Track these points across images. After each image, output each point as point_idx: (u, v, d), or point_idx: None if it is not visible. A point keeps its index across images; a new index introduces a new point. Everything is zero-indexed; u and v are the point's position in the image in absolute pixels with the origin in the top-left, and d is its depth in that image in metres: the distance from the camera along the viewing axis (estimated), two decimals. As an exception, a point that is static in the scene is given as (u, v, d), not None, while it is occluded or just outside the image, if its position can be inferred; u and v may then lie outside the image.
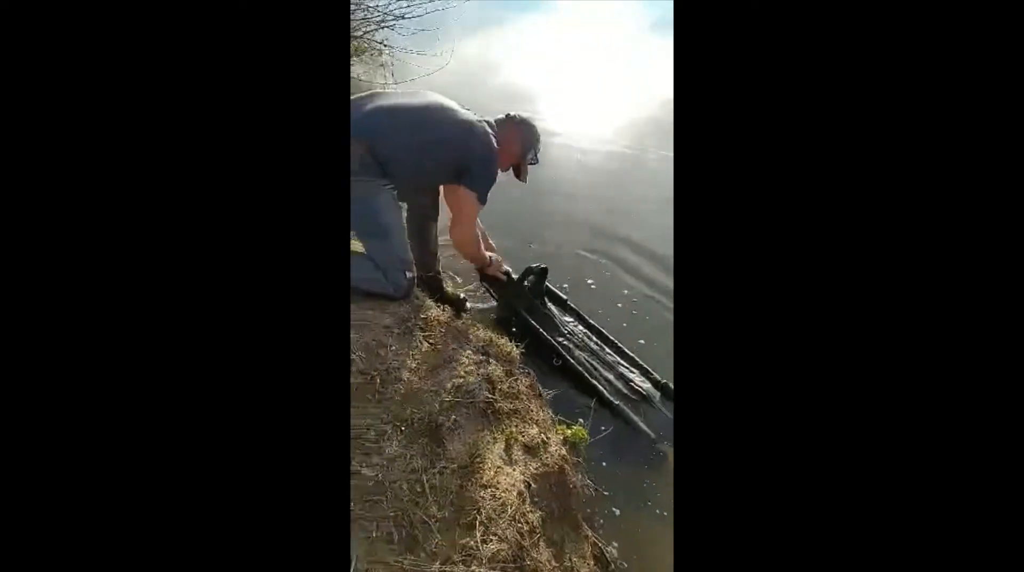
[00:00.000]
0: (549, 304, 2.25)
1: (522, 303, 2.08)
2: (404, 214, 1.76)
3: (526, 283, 2.20)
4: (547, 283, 2.32)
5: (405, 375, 1.29)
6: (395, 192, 1.54)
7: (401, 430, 1.16)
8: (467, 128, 1.54)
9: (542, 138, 1.78)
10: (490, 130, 1.60)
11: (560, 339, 2.01)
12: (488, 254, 1.88)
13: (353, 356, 1.28)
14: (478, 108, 1.68)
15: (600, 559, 1.31)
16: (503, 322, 2.06)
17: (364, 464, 1.06)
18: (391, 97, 1.56)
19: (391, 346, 1.36)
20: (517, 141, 1.68)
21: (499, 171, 1.64)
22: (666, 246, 3.03)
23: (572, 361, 1.90)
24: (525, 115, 1.73)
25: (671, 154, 4.26)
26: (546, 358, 1.90)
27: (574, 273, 2.56)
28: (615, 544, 1.39)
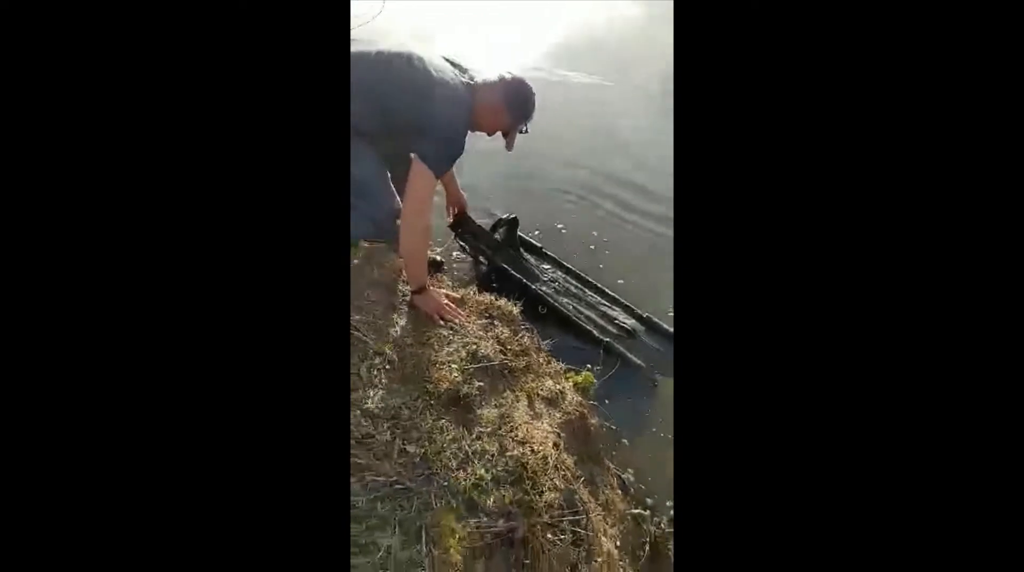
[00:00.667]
0: (525, 254, 2.30)
1: (499, 257, 2.11)
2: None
3: (497, 235, 2.23)
4: (519, 233, 2.36)
5: (420, 350, 1.32)
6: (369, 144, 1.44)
7: (431, 404, 1.20)
8: (426, 86, 1.35)
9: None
10: (464, 91, 1.40)
11: (542, 287, 2.07)
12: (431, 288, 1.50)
13: (364, 337, 1.29)
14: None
15: (621, 486, 1.45)
16: (483, 278, 2.09)
17: (406, 441, 1.10)
18: (360, 47, 1.39)
19: (398, 322, 1.37)
20: (503, 106, 1.42)
21: (486, 135, 1.49)
22: (620, 167, 3.11)
23: (559, 307, 1.97)
24: (518, 78, 1.45)
25: (596, 78, 4.24)
26: (530, 309, 1.96)
27: (544, 215, 2.59)
28: (630, 471, 1.53)
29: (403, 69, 1.39)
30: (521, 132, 1.49)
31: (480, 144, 1.56)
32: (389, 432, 1.11)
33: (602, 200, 2.87)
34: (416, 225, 1.37)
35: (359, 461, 1.04)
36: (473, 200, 2.18)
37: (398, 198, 1.49)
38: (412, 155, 1.38)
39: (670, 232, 2.65)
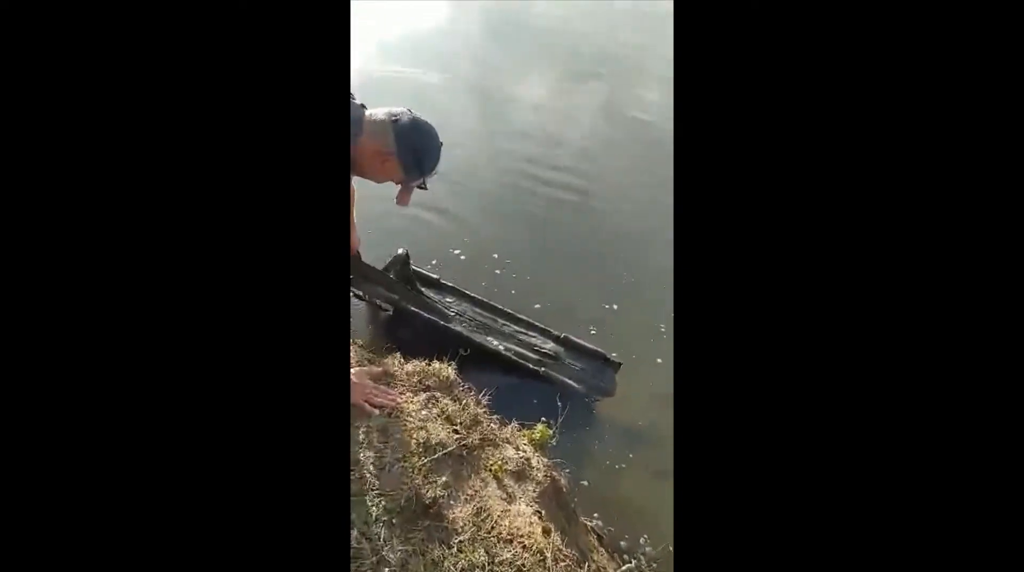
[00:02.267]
0: (425, 290, 2.11)
1: (401, 298, 1.91)
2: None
3: (391, 274, 2.01)
4: (412, 266, 2.16)
5: (360, 452, 1.10)
6: None
7: (393, 524, 1.00)
8: None
9: None
10: (357, 111, 1.17)
11: (454, 325, 1.92)
12: None
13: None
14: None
15: (598, 539, 1.38)
16: (390, 328, 1.88)
17: (378, 584, 0.90)
18: None
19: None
20: (391, 154, 1.17)
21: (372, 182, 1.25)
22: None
23: (483, 344, 1.84)
24: (411, 118, 1.18)
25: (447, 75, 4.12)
26: (452, 355, 1.80)
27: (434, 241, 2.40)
28: (596, 515, 1.48)
29: None
30: (420, 188, 1.25)
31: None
32: (357, 580, 0.89)
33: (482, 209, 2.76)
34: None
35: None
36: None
37: None
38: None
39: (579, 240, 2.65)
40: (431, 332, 1.83)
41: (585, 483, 1.56)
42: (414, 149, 1.18)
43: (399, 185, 1.26)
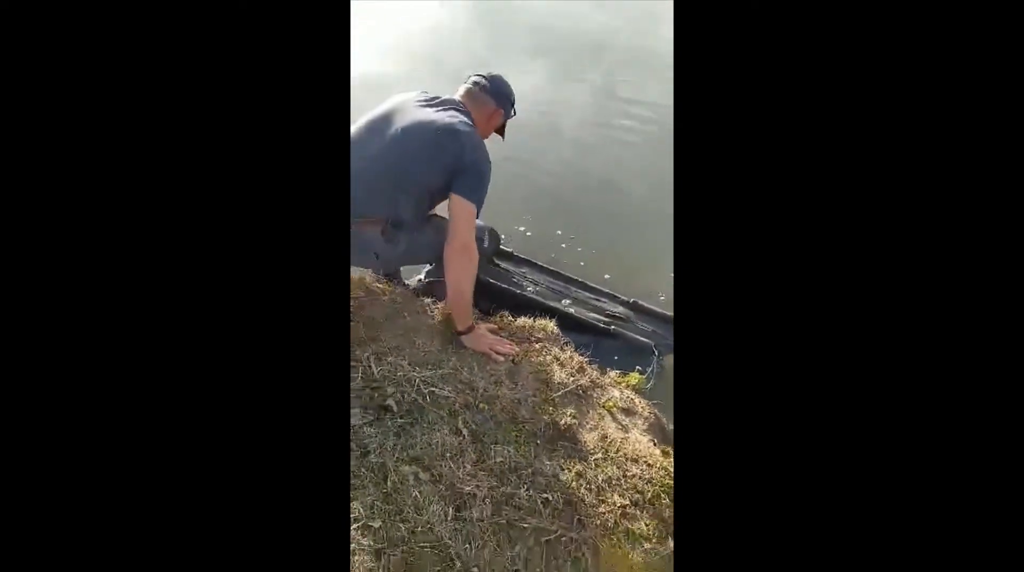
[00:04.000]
0: (500, 262, 2.29)
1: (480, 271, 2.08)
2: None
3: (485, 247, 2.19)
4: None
5: (496, 390, 1.28)
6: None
7: (537, 444, 1.18)
8: (434, 138, 1.38)
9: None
10: (462, 115, 1.44)
11: (530, 292, 2.09)
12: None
13: (446, 392, 1.22)
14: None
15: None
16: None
17: (538, 489, 1.08)
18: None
19: (471, 368, 1.32)
20: (495, 108, 1.54)
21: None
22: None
23: (557, 308, 2.02)
24: (492, 75, 1.55)
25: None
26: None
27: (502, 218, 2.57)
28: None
29: (399, 134, 1.41)
30: (512, 117, 1.63)
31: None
32: (524, 487, 1.08)
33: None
34: (465, 262, 1.33)
35: (522, 525, 1.01)
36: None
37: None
38: (452, 194, 1.36)
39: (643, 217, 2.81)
40: (508, 299, 2.00)
41: (671, 428, 1.73)
42: (504, 92, 1.56)
43: (500, 129, 1.64)
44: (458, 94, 1.54)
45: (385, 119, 1.45)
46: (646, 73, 4.61)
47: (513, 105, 1.59)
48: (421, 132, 1.39)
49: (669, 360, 2.01)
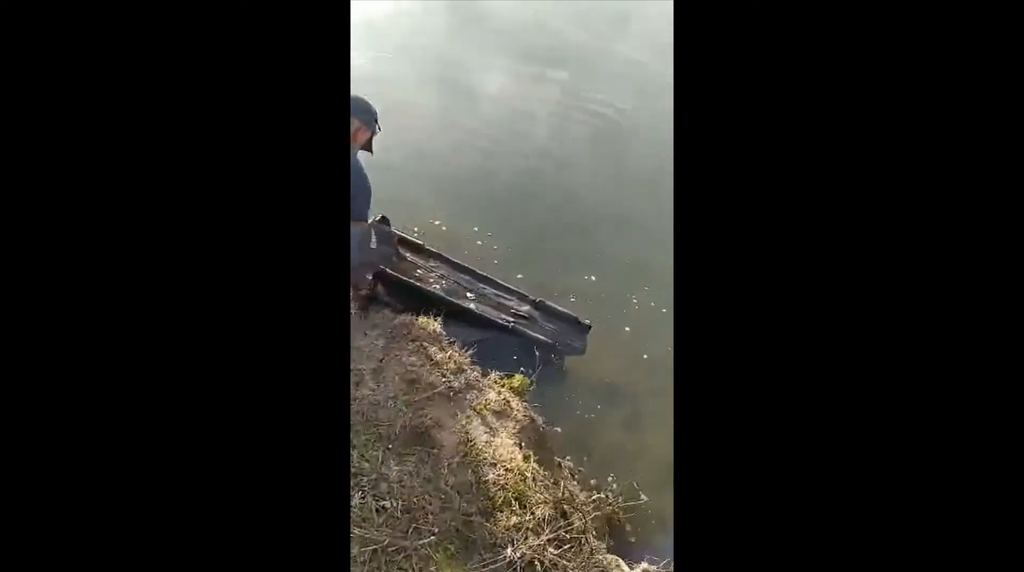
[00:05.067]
0: (407, 255, 2.22)
1: (381, 262, 2.01)
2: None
3: (373, 237, 2.12)
4: (395, 230, 2.27)
5: (359, 392, 1.22)
6: None
7: (389, 448, 1.13)
8: None
9: None
10: None
11: (434, 287, 2.04)
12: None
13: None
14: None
15: (568, 470, 1.54)
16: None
17: (378, 496, 1.04)
18: None
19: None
20: (358, 126, 1.56)
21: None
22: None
23: (455, 303, 1.97)
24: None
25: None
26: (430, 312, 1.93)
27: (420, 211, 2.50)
28: (568, 457, 1.64)
29: None
30: (377, 133, 1.65)
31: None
32: (358, 492, 1.02)
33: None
34: None
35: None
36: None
37: None
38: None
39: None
40: (409, 292, 1.95)
41: (558, 429, 1.71)
42: (363, 110, 1.58)
43: (367, 143, 1.65)
44: None
45: None
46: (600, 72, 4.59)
47: (377, 121, 1.62)
48: None
49: (572, 361, 2.01)
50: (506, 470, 1.17)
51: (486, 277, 2.22)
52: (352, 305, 1.68)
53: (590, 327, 2.07)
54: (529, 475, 1.17)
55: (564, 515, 1.14)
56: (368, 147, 1.70)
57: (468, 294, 2.09)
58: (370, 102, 1.61)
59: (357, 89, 1.46)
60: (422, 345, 1.42)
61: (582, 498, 1.38)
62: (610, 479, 1.62)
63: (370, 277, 1.88)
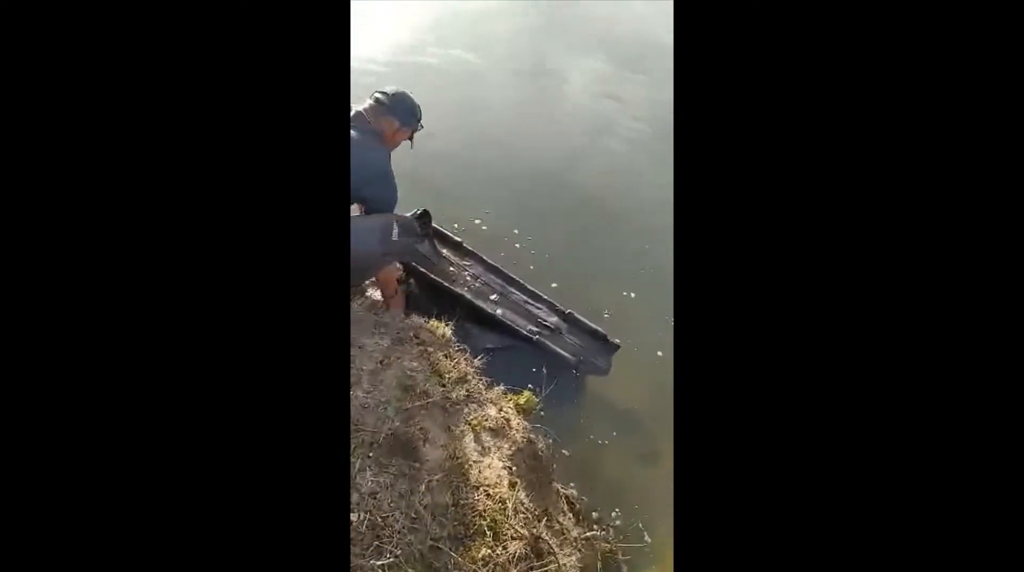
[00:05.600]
0: (443, 250, 2.20)
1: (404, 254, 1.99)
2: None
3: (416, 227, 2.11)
4: (438, 226, 2.25)
5: (352, 392, 1.20)
6: None
7: (369, 457, 1.10)
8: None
9: None
10: (362, 125, 1.51)
11: (458, 288, 1.99)
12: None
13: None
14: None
15: (569, 506, 1.46)
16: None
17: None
18: None
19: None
20: (395, 127, 1.58)
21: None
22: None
23: (482, 307, 1.92)
24: (395, 92, 1.58)
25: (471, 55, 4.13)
26: (452, 311, 1.88)
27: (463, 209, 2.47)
28: (572, 485, 1.55)
29: None
30: (419, 130, 1.67)
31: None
32: (328, 501, 0.99)
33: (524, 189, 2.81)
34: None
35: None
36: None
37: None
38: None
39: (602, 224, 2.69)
40: (435, 290, 1.92)
41: (567, 453, 1.62)
42: (406, 109, 1.59)
43: (409, 139, 1.68)
44: (363, 106, 1.58)
45: None
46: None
47: (419, 119, 1.64)
48: None
49: (593, 381, 1.91)
50: (487, 496, 1.11)
51: (518, 282, 2.16)
52: (378, 301, 1.68)
53: (618, 346, 1.96)
54: (511, 505, 1.10)
55: (539, 555, 1.06)
56: (410, 138, 1.71)
57: (492, 298, 2.04)
58: (414, 99, 1.63)
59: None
60: (426, 350, 1.38)
61: (574, 534, 1.29)
62: (614, 514, 1.52)
63: (399, 268, 1.86)
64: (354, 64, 3.97)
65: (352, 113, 1.54)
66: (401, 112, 1.57)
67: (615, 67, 4.48)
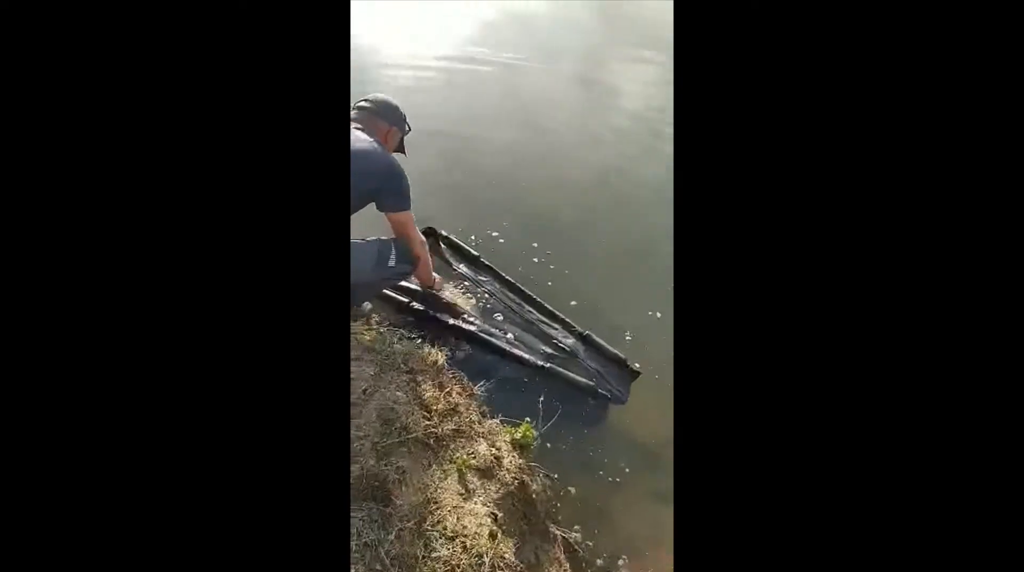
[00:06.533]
0: (459, 266, 2.13)
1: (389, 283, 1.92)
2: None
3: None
4: (453, 237, 2.19)
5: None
6: None
7: (338, 498, 1.02)
8: (356, 158, 1.41)
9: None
10: (360, 133, 1.50)
11: (463, 323, 1.88)
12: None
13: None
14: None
15: (569, 550, 1.33)
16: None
17: (306, 558, 0.92)
18: None
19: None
20: (389, 127, 1.61)
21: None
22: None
23: (489, 340, 1.82)
24: (377, 98, 1.62)
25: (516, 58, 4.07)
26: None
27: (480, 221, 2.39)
28: (576, 528, 1.42)
29: None
30: (406, 134, 1.70)
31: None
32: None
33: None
34: (426, 252, 1.71)
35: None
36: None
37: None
38: (387, 214, 1.54)
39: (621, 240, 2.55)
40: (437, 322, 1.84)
41: (572, 490, 1.50)
42: (395, 113, 1.63)
43: (400, 144, 1.71)
44: (351, 116, 1.59)
45: None
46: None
47: (406, 121, 1.66)
48: None
49: (608, 410, 1.77)
50: (463, 548, 1.01)
51: (535, 300, 2.05)
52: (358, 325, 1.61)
53: (639, 374, 1.82)
54: (487, 560, 0.99)
55: (515, 623, 0.95)
56: (400, 149, 1.72)
57: (498, 317, 1.95)
58: (396, 103, 1.65)
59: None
60: (414, 379, 1.29)
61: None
62: (621, 562, 1.38)
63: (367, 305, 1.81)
64: (399, 62, 4.06)
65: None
66: (388, 114, 1.61)
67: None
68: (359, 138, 1.47)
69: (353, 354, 1.30)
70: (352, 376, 1.24)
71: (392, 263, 1.52)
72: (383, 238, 1.57)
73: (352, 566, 0.93)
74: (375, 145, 1.49)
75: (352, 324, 1.52)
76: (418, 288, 1.91)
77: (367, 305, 1.80)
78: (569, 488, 1.51)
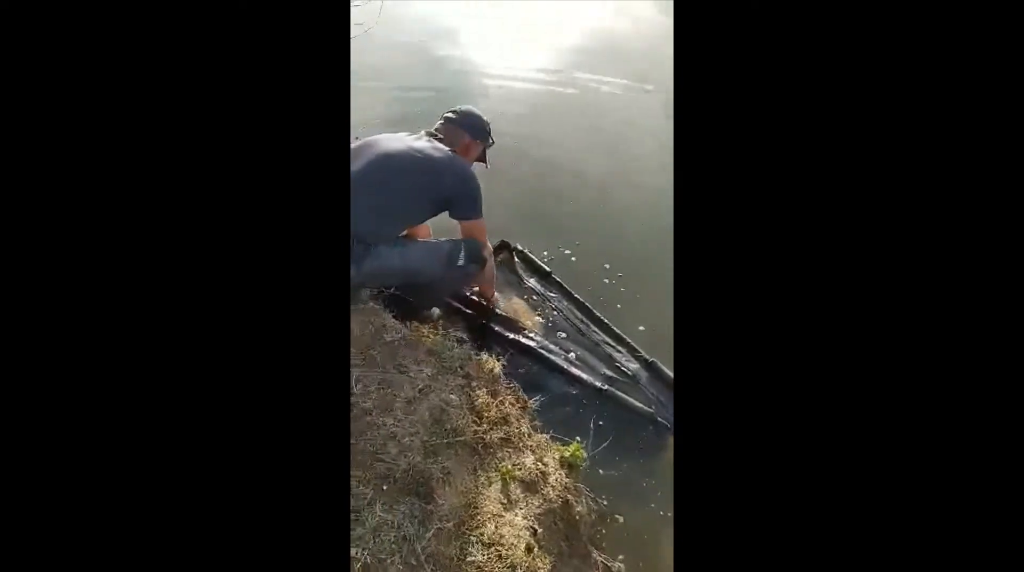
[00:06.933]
0: (530, 280, 2.14)
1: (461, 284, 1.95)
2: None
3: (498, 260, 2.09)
4: (527, 251, 2.21)
5: (376, 416, 1.17)
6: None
7: (383, 490, 1.05)
8: (426, 169, 1.50)
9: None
10: (439, 143, 1.55)
11: (534, 336, 1.88)
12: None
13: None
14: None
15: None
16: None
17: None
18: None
19: (353, 377, 1.22)
20: (470, 139, 1.64)
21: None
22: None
23: (547, 357, 1.81)
24: (462, 109, 1.66)
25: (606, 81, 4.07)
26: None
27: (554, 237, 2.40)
28: (621, 559, 1.37)
29: (393, 168, 1.50)
30: (490, 146, 1.73)
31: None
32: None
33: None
34: (491, 259, 1.74)
35: None
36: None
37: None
38: (459, 222, 1.59)
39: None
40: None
41: (620, 519, 1.44)
42: (478, 126, 1.66)
43: (482, 158, 1.74)
44: (434, 127, 1.65)
45: (368, 145, 1.53)
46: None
47: (490, 134, 1.70)
48: (403, 160, 1.49)
49: (667, 441, 1.69)
50: (499, 557, 1.00)
51: (602, 321, 2.02)
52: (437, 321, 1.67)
53: (703, 406, 1.73)
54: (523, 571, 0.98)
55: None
56: (483, 159, 1.76)
57: (562, 335, 1.93)
58: (482, 116, 1.69)
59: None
60: (469, 384, 1.31)
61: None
62: (663, 600, 1.31)
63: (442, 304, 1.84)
64: (499, 73, 4.22)
65: (422, 134, 1.61)
66: (470, 126, 1.64)
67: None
68: (436, 147, 1.54)
69: (415, 355, 1.34)
70: (411, 375, 1.28)
71: (461, 262, 1.56)
72: (453, 239, 1.62)
73: (388, 557, 0.95)
74: (450, 154, 1.55)
75: (420, 326, 1.57)
76: (482, 301, 1.95)
77: (436, 311, 1.86)
78: (617, 516, 1.45)
